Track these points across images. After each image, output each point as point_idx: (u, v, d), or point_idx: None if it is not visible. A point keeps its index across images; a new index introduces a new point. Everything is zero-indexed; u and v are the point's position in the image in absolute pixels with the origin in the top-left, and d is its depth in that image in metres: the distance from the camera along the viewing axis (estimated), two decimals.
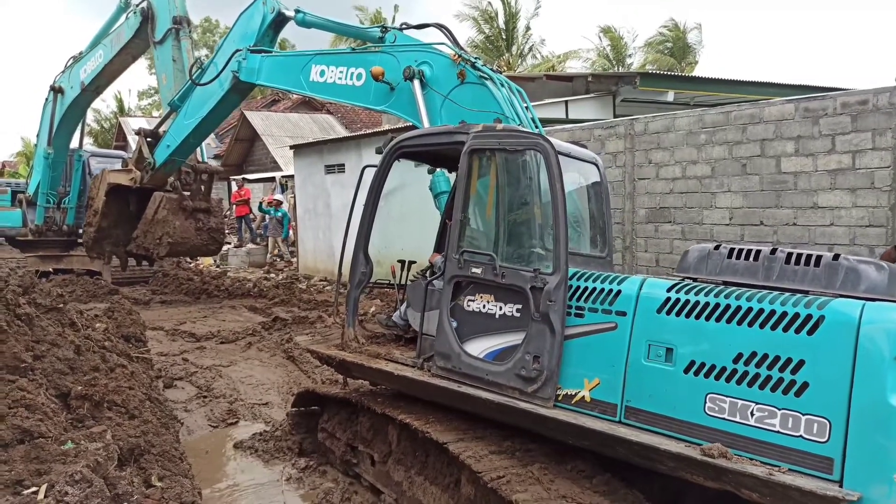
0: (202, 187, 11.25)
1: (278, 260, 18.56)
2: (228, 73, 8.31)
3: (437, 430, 4.09)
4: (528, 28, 34.74)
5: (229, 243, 20.78)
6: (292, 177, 18.52)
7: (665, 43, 33.72)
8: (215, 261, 18.81)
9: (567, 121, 10.57)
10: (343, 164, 14.81)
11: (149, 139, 10.63)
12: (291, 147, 17.49)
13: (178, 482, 4.02)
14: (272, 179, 21.78)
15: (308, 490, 5.09)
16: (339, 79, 6.76)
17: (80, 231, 13.90)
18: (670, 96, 12.69)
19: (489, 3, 34.33)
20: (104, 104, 38.89)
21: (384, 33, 6.46)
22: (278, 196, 19.10)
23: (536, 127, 5.27)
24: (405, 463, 4.51)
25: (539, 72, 23.84)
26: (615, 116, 11.62)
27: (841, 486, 2.67)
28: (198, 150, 10.97)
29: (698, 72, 30.05)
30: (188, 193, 11.01)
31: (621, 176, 8.51)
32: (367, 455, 5.00)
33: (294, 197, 17.87)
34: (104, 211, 11.32)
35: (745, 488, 2.86)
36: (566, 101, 11.84)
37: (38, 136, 13.30)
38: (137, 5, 10.51)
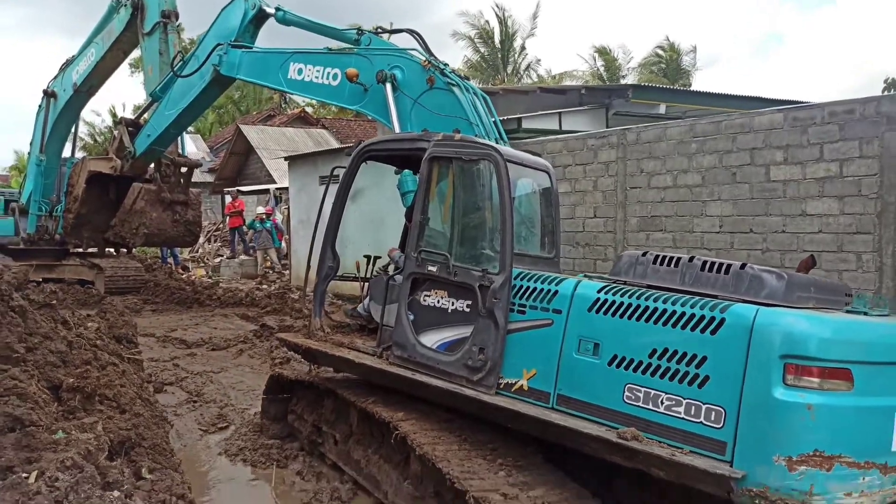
0: (181, 180, 11.41)
1: (270, 272, 18.55)
2: (209, 66, 8.47)
3: (389, 413, 4.40)
4: (523, 48, 35.18)
5: (221, 255, 20.77)
6: (286, 189, 18.56)
7: (659, 64, 34.14)
8: (208, 271, 18.79)
9: (560, 132, 10.67)
10: (338, 176, 14.86)
11: (130, 128, 10.81)
12: (286, 158, 17.55)
13: (169, 475, 4.00)
14: (266, 191, 21.83)
15: (298, 491, 5.09)
16: (316, 78, 6.99)
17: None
18: (662, 109, 12.84)
19: (486, 21, 34.79)
20: (99, 119, 38.77)
21: (360, 36, 6.68)
22: (260, 209, 19.13)
23: (499, 132, 5.58)
24: (363, 443, 4.88)
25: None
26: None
27: (731, 466, 3.01)
28: (178, 143, 11.16)
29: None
30: (167, 185, 11.12)
31: (613, 185, 8.59)
32: (330, 435, 5.35)
33: (288, 208, 17.90)
34: (84, 198, 11.49)
35: (653, 467, 3.20)
36: (559, 113, 11.96)
37: (31, 143, 13.27)
38: None
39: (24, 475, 3.07)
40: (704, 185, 7.61)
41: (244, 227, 19.95)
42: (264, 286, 16.18)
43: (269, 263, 18.94)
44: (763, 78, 58.78)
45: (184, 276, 16.91)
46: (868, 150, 6.30)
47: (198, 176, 28.39)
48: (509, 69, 34.68)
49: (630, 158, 8.39)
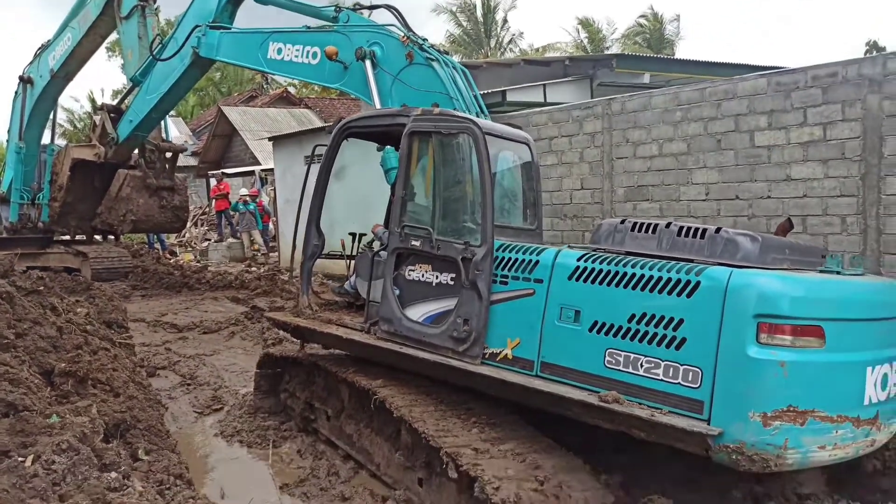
0: (166, 165, 11.32)
1: (257, 254, 18.48)
2: (188, 48, 8.38)
3: (369, 381, 4.55)
4: (505, 21, 34.90)
5: (209, 239, 20.65)
6: (271, 170, 18.41)
7: (643, 34, 33.97)
8: (196, 256, 18.69)
9: (545, 104, 10.64)
10: (321, 155, 14.77)
11: (112, 114, 10.68)
12: (270, 139, 17.40)
13: (166, 456, 4.04)
14: (251, 173, 21.66)
15: (296, 468, 5.13)
16: (296, 57, 6.97)
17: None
18: (646, 78, 12.81)
19: None
20: (78, 104, 38.14)
21: (338, 13, 6.64)
22: (244, 191, 18.98)
23: (479, 105, 5.61)
24: (355, 417, 4.99)
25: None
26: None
27: (708, 424, 3.10)
28: (162, 128, 11.04)
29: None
30: (152, 171, 11.04)
31: (599, 156, 8.59)
32: (323, 412, 5.46)
33: (274, 190, 17.78)
34: (69, 186, 11.42)
35: (634, 428, 3.30)
36: (544, 85, 11.92)
37: (8, 131, 13.04)
38: None
39: (21, 459, 3.08)
40: (690, 154, 7.63)
41: (230, 209, 19.81)
42: (253, 268, 16.12)
43: (255, 246, 18.86)
44: (750, 47, 58.62)
45: (171, 260, 16.80)
46: (851, 113, 6.33)
47: (182, 160, 28.18)
48: (492, 43, 34.42)
49: (615, 129, 8.38)
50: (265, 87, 36.35)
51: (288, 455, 5.34)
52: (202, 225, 22.65)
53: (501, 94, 11.39)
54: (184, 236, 21.76)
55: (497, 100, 11.34)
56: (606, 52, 32.27)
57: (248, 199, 18.48)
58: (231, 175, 22.67)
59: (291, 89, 33.44)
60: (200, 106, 38.57)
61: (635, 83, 12.58)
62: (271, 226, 18.98)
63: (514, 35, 35.41)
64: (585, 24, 34.45)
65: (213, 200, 20.85)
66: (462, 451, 3.64)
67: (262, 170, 21.26)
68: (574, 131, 8.88)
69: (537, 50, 34.11)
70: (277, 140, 16.86)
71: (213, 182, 22.81)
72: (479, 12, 34.34)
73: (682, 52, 33.56)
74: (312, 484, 4.75)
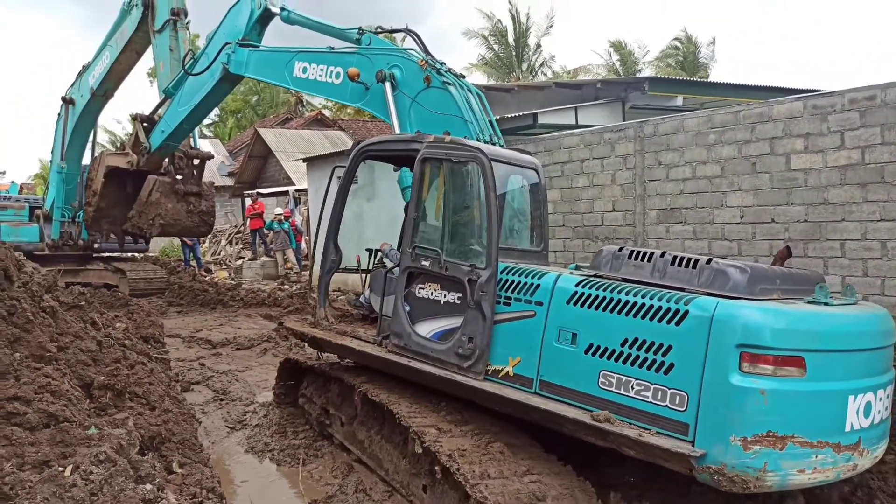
0: (194, 172, 11.68)
1: (290, 272, 18.69)
2: (219, 64, 8.66)
3: (353, 378, 4.92)
4: (538, 45, 35.04)
5: (243, 257, 20.98)
6: (305, 191, 18.69)
7: (676, 56, 33.74)
8: (230, 273, 19.00)
9: (577, 126, 10.65)
10: (356, 176, 14.98)
11: (145, 124, 11.07)
12: (304, 160, 17.69)
13: (199, 469, 4.08)
14: (285, 193, 22.00)
15: (324, 485, 5.15)
16: (320, 76, 7.19)
17: (95, 245, 14.18)
18: (679, 101, 12.74)
19: (499, 20, 34.70)
20: (119, 126, 39.23)
21: (360, 35, 6.85)
22: (278, 210, 19.26)
23: (493, 129, 5.78)
24: (367, 424, 5.25)
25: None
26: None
27: (693, 446, 3.29)
28: (191, 137, 11.38)
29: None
30: (181, 178, 11.37)
31: (631, 178, 8.56)
32: (337, 417, 5.76)
33: (307, 210, 18.03)
34: (102, 192, 11.86)
35: (624, 447, 3.50)
36: (576, 108, 11.93)
37: (52, 151, 13.53)
38: None
39: (61, 469, 3.16)
40: (724, 176, 7.56)
41: (264, 228, 20.14)
42: (286, 287, 16.33)
43: (288, 265, 19.08)
44: (784, 71, 57.97)
45: (207, 278, 17.12)
46: (890, 137, 6.22)
47: (219, 180, 28.84)
48: (524, 67, 34.57)
49: (648, 151, 8.36)
50: (300, 109, 37.02)
51: (318, 472, 5.37)
52: (237, 243, 23.03)
53: (533, 116, 11.43)
54: (219, 254, 22.14)
55: (528, 122, 11.39)
56: (639, 74, 32.20)
57: (282, 218, 18.75)
58: (266, 195, 23.07)
59: (326, 112, 33.98)
60: (238, 128, 39.39)
61: (668, 106, 12.52)
62: (304, 245, 19.20)
63: (545, 58, 35.52)
64: (618, 47, 34.39)
65: (248, 220, 21.20)
66: (427, 430, 4.12)
67: (296, 190, 21.58)
68: (606, 153, 8.87)
69: (569, 73, 34.13)
70: (311, 161, 17.14)
71: (248, 202, 23.21)
72: (510, 37, 34.55)
73: (716, 75, 33.29)
74: (340, 500, 4.77)
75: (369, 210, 14.04)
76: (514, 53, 34.43)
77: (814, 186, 6.79)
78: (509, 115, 11.73)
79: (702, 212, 7.80)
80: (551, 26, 35.38)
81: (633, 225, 8.55)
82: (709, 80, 20.37)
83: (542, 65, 35.27)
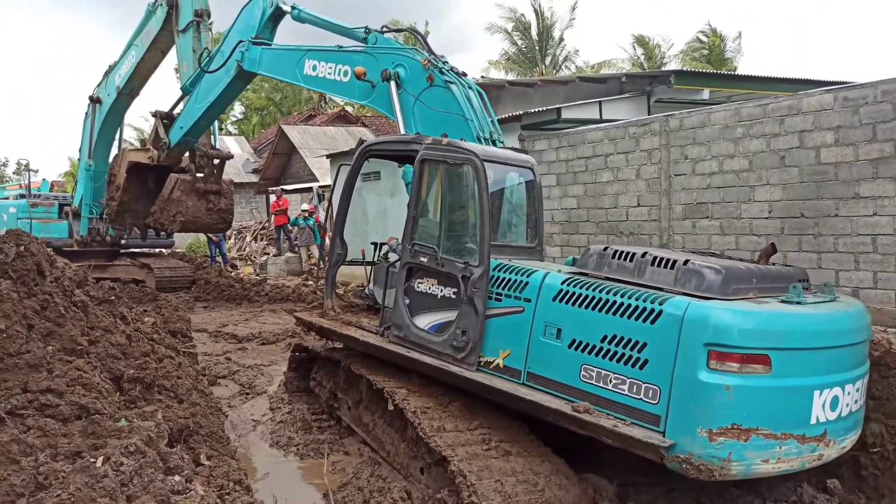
0: (214, 171, 11.88)
1: (315, 268, 18.79)
2: (233, 62, 8.89)
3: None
4: (562, 39, 34.75)
5: (268, 253, 21.17)
6: (328, 187, 18.77)
7: (701, 50, 33.24)
8: (255, 269, 19.17)
9: (601, 121, 10.56)
10: (378, 172, 15.00)
11: (164, 121, 11.36)
12: (328, 156, 17.78)
13: (226, 462, 4.14)
14: (309, 189, 22.14)
15: (339, 475, 5.18)
16: (329, 74, 7.41)
17: (122, 241, 14.44)
18: (706, 94, 12.57)
19: (522, 14, 34.50)
20: (147, 124, 39.75)
21: (367, 34, 7.05)
22: (304, 206, 19.37)
23: (494, 127, 5.98)
24: (371, 409, 5.52)
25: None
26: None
27: (663, 436, 3.52)
28: (211, 137, 11.60)
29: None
30: (201, 176, 11.59)
31: (657, 173, 8.47)
32: (344, 401, 6.06)
33: (330, 205, 18.09)
34: (125, 187, 12.22)
35: (602, 436, 3.73)
36: (600, 102, 11.83)
37: (80, 149, 13.80)
38: None
39: (92, 460, 3.23)
40: (752, 170, 7.46)
41: (289, 224, 20.28)
42: (310, 282, 16.44)
43: (313, 260, 19.19)
44: (812, 64, 56.85)
45: (232, 273, 17.30)
46: None
47: (242, 176, 29.11)
48: (547, 61, 34.33)
49: (674, 145, 8.26)
50: (323, 106, 37.20)
51: (340, 465, 5.41)
52: (261, 239, 23.24)
53: (556, 111, 11.37)
54: (244, 250, 22.36)
55: (552, 117, 11.33)
56: (664, 68, 31.79)
57: (307, 214, 18.87)
58: (290, 192, 23.23)
59: (349, 108, 34.11)
60: (262, 125, 39.69)
61: (694, 100, 12.36)
62: (327, 240, 19.28)
63: (569, 53, 35.21)
64: (642, 41, 33.98)
65: (273, 216, 21.37)
66: (399, 390, 4.72)
67: (320, 186, 21.70)
68: (631, 148, 8.79)
69: (592, 67, 33.80)
70: (335, 157, 17.23)
71: (272, 198, 23.40)
72: (534, 31, 34.32)
73: (743, 69, 32.71)
74: (354, 486, 4.79)
75: (392, 205, 14.08)
76: (537, 48, 34.21)
77: (844, 180, 6.67)
78: (533, 110, 11.67)
79: (729, 206, 7.70)
80: (574, 19, 35.05)
81: (659, 220, 8.46)
82: (736, 73, 20.03)
83: (565, 59, 35.01)
